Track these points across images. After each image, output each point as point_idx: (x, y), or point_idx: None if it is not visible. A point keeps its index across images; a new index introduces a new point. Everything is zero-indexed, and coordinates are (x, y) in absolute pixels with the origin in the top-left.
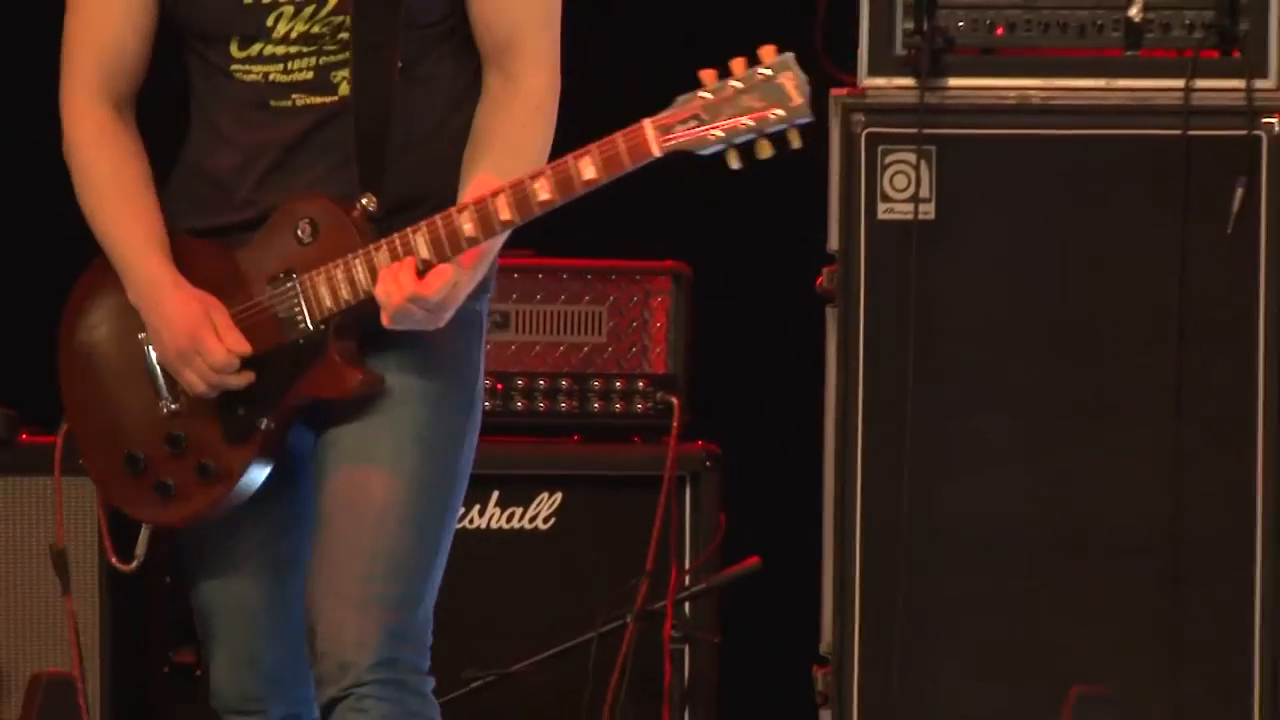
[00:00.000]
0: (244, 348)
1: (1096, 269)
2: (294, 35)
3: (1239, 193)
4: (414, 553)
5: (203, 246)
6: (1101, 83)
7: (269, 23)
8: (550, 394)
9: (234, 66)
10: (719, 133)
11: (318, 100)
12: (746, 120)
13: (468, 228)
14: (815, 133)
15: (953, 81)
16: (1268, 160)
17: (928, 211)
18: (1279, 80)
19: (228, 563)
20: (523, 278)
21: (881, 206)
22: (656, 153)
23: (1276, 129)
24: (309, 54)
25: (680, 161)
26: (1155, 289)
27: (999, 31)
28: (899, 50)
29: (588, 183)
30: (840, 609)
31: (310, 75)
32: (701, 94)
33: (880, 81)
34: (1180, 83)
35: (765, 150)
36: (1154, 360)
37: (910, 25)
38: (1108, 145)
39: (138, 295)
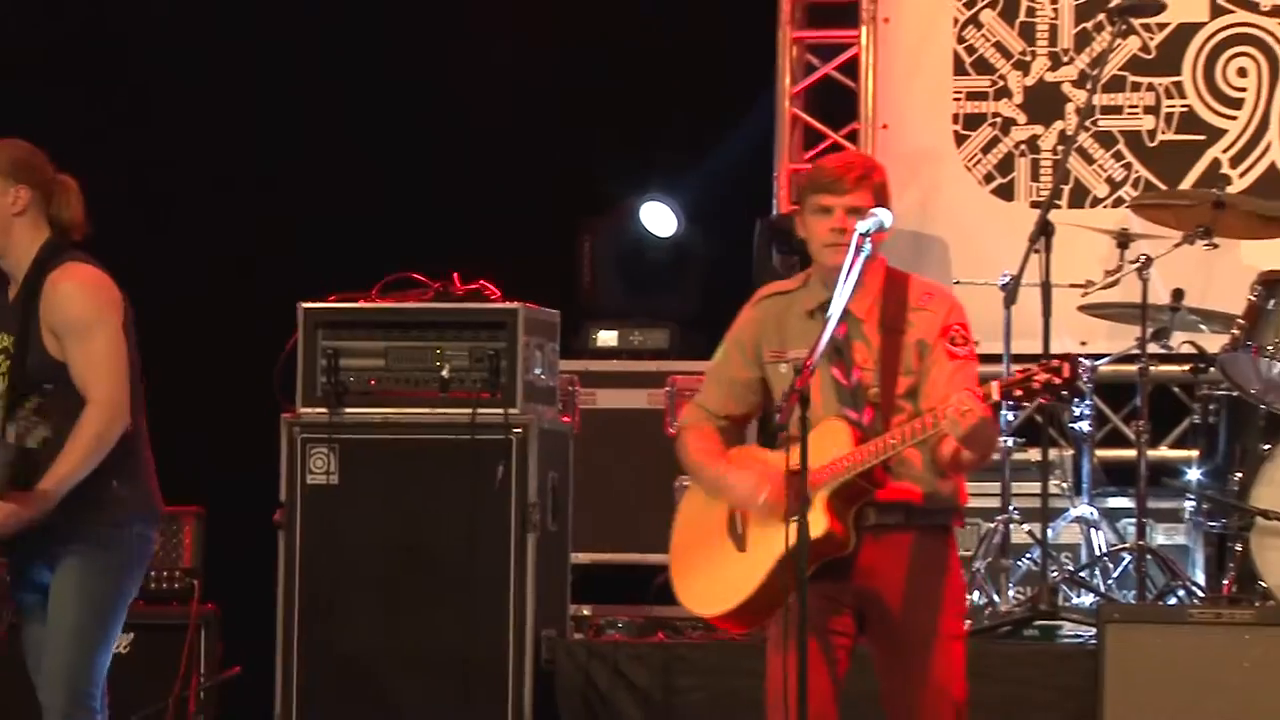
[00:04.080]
0: None
1: (429, 509)
2: None
3: (500, 469)
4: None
5: None
6: (429, 410)
7: None
8: None
9: None
10: None
11: None
12: None
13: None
14: (274, 437)
15: (347, 410)
16: (516, 452)
17: (334, 480)
18: (521, 409)
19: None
20: None
21: (310, 476)
22: None
23: (522, 435)
24: None
25: None
26: (459, 519)
27: (372, 382)
28: (319, 392)
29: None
30: (285, 696)
31: None
32: None
33: (308, 409)
34: (470, 410)
35: None
36: (461, 557)
37: (324, 379)
38: (436, 445)
39: None
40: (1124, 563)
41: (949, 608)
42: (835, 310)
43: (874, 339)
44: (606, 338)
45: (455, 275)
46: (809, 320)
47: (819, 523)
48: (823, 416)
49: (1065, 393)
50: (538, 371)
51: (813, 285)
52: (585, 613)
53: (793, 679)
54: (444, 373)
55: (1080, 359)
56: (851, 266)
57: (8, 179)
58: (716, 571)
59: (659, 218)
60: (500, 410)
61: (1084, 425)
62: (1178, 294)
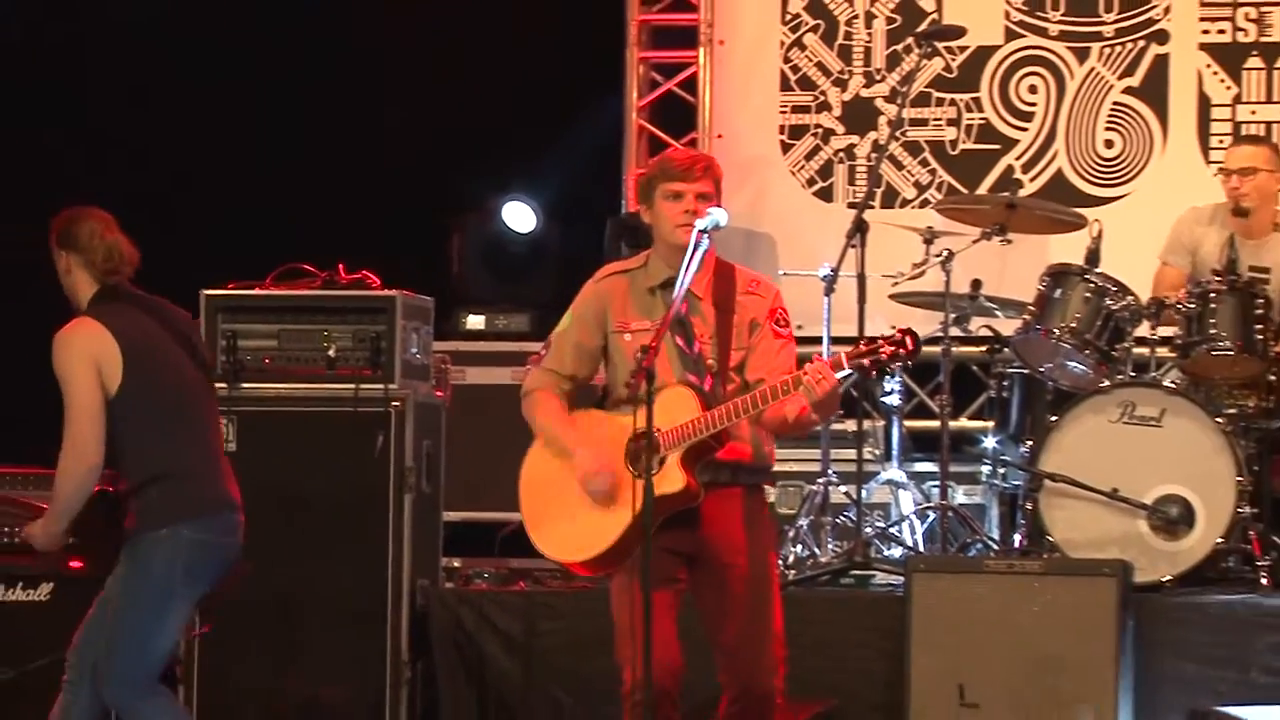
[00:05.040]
0: None
1: (317, 473)
2: None
3: (380, 438)
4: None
5: None
6: (317, 385)
7: None
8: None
9: None
10: None
11: None
12: None
13: None
14: None
15: (244, 385)
16: (394, 422)
17: (233, 446)
18: (399, 385)
19: None
20: None
21: None
22: None
23: (399, 408)
24: None
25: None
26: (344, 482)
27: (266, 360)
28: (219, 369)
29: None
30: (188, 638)
31: None
32: None
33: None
34: (353, 385)
35: None
36: (345, 515)
37: (224, 357)
38: (323, 416)
39: None
40: (929, 520)
41: (770, 553)
42: (679, 293)
43: (710, 316)
44: (475, 321)
45: (340, 266)
46: (650, 296)
47: (676, 478)
48: (670, 383)
49: (909, 362)
50: (414, 351)
51: (653, 265)
52: (455, 564)
53: (640, 618)
54: (330, 352)
55: (916, 336)
56: (691, 258)
57: (56, 248)
58: (576, 522)
59: (520, 215)
60: (380, 386)
61: (894, 399)
62: (976, 284)
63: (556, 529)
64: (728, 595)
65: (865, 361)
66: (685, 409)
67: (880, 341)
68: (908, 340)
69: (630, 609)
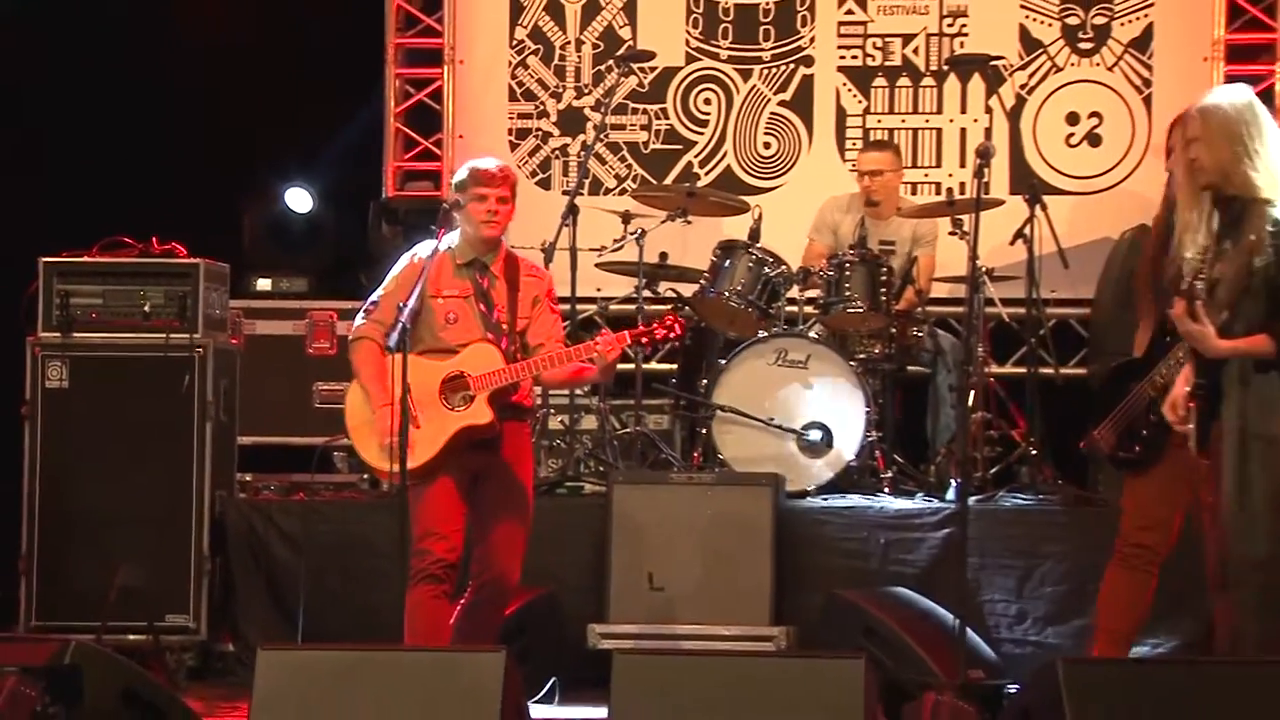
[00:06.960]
0: None
1: (135, 406)
2: None
3: (186, 378)
4: None
5: None
6: (135, 335)
7: None
8: None
9: None
10: None
11: None
12: None
13: None
14: (20, 354)
15: (75, 334)
16: (198, 365)
17: (66, 385)
18: (202, 335)
19: None
20: None
21: (47, 382)
22: None
23: (202, 354)
24: None
25: None
26: (157, 413)
27: (94, 315)
28: (54, 322)
29: None
30: (29, 541)
31: None
32: None
33: (46, 334)
34: (164, 335)
35: None
36: (157, 440)
37: (58, 312)
38: (140, 360)
39: None
40: (627, 443)
41: (531, 473)
42: (431, 258)
43: (503, 291)
44: (263, 284)
45: (154, 239)
46: (460, 269)
47: (484, 413)
48: (476, 339)
49: (677, 343)
50: (214, 308)
51: (461, 248)
52: (247, 479)
53: (441, 499)
54: (146, 308)
55: (685, 321)
56: (442, 234)
57: None
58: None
59: (299, 199)
60: (186, 335)
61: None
62: (663, 256)
63: (380, 445)
64: (501, 504)
65: (644, 340)
66: (490, 360)
67: (656, 326)
68: (677, 326)
69: (437, 506)
